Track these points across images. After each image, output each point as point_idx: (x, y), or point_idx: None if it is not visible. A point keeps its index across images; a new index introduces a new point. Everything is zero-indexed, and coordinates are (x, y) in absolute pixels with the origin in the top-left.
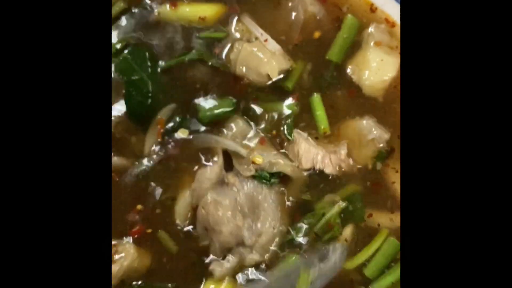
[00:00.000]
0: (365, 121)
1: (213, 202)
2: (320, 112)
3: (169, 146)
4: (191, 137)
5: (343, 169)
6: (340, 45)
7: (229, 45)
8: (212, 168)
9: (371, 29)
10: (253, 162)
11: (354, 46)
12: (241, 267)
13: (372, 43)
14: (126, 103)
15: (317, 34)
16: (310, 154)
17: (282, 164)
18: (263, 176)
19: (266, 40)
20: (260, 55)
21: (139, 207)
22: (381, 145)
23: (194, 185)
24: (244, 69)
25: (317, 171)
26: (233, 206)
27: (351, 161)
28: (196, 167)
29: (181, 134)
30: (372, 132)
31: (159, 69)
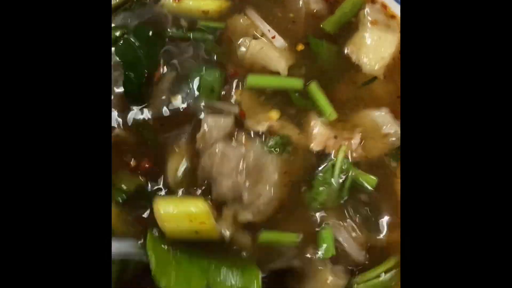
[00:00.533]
0: (382, 113)
1: (220, 153)
2: (321, 101)
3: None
4: (185, 104)
5: (354, 158)
6: (338, 16)
7: (234, 41)
8: (226, 119)
9: (366, 9)
10: (270, 118)
11: (351, 29)
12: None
13: (368, 23)
14: (124, 86)
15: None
16: (323, 137)
17: (291, 130)
18: (274, 144)
19: (274, 37)
20: (269, 54)
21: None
22: (394, 138)
23: (203, 131)
24: (251, 65)
25: (326, 154)
26: (238, 163)
27: (362, 152)
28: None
29: (174, 100)
30: (388, 127)
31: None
